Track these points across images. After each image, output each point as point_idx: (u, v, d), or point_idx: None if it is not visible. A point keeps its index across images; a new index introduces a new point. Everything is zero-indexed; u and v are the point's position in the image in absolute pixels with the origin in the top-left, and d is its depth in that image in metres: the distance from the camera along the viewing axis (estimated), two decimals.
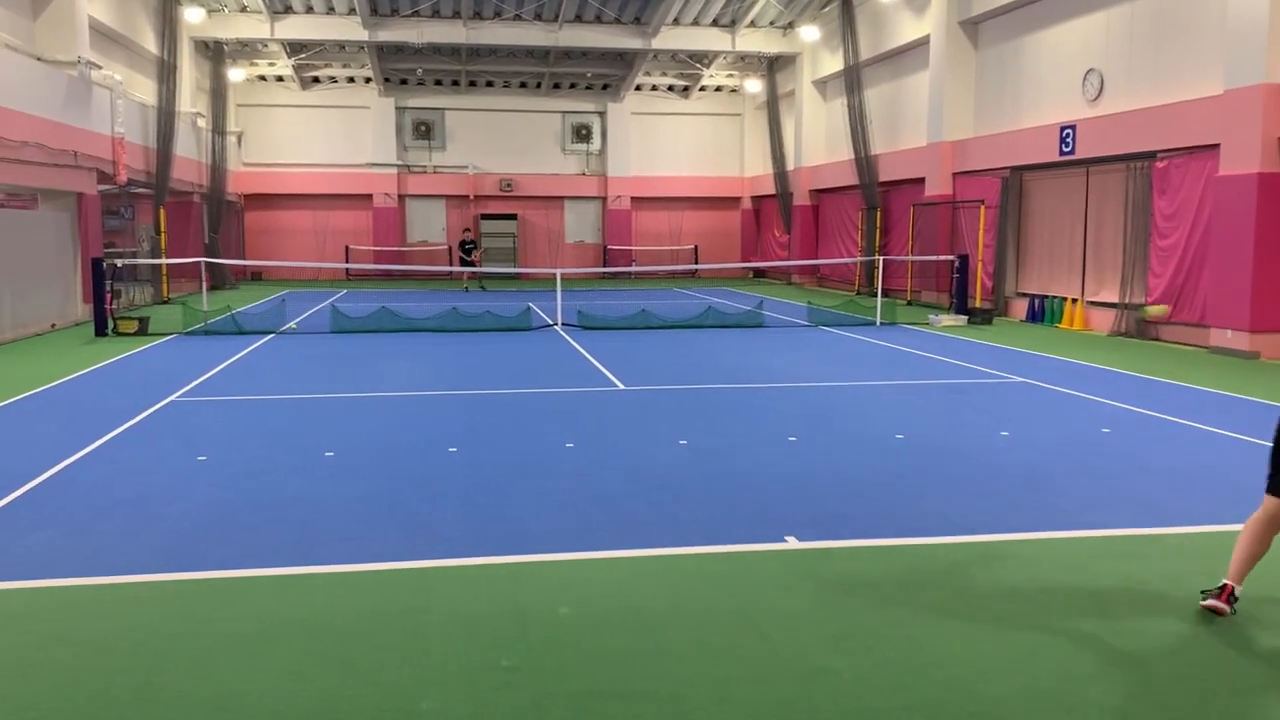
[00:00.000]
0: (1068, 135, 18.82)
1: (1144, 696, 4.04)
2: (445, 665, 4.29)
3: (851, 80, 26.28)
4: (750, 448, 8.43)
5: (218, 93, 29.61)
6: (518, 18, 29.40)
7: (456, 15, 29.36)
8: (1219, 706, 3.95)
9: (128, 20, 24.25)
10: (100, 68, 21.47)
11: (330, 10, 28.74)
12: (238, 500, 6.83)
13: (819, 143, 30.91)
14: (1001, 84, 21.57)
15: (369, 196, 35.21)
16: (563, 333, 17.67)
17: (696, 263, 36.93)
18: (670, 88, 36.81)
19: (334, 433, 9.07)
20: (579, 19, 29.90)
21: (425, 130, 35.74)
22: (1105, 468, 7.76)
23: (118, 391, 11.35)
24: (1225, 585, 4.82)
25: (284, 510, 6.59)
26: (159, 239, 24.37)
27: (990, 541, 5.97)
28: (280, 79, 34.33)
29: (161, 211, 24.31)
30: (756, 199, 36.99)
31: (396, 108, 35.31)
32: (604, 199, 36.98)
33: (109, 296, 17.43)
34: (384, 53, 31.80)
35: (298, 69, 33.07)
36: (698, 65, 33.90)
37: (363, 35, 28.89)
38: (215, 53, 29.70)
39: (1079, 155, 18.61)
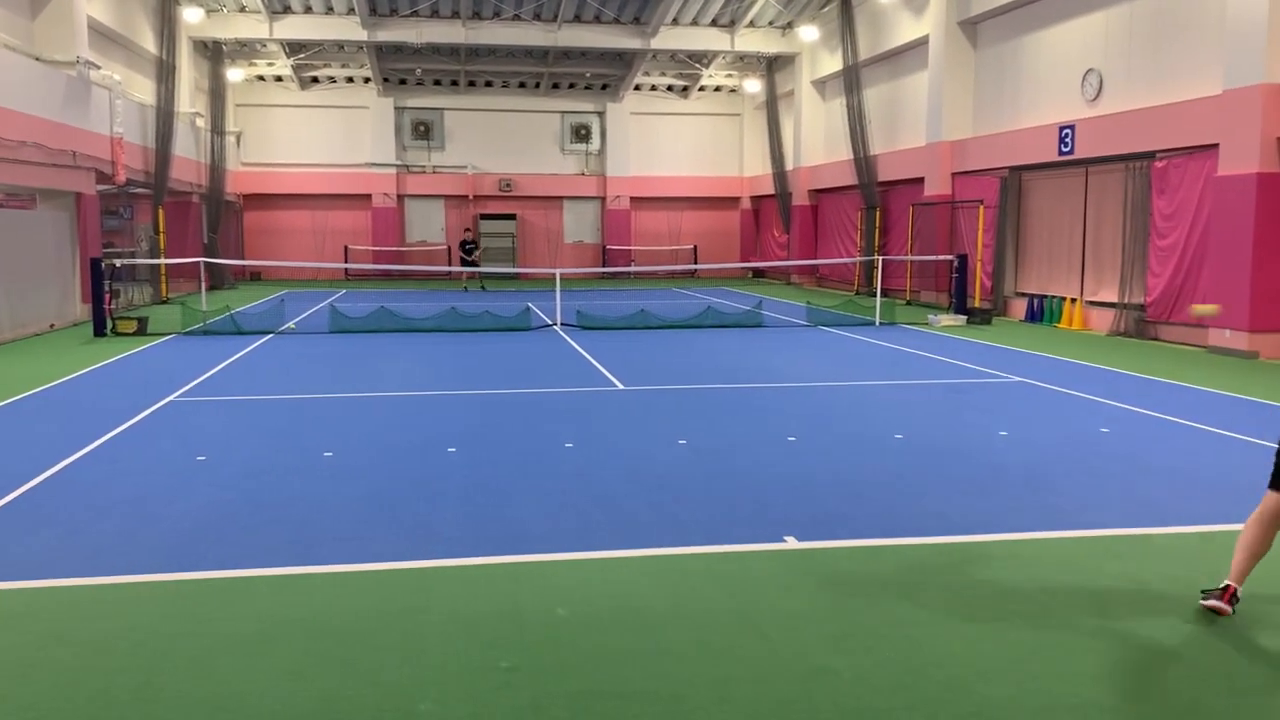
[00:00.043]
0: (1067, 135, 18.83)
1: (1144, 697, 4.04)
2: (444, 665, 4.29)
3: (850, 80, 26.29)
4: (750, 448, 8.43)
5: (216, 93, 29.60)
6: (517, 18, 29.39)
7: (455, 15, 29.35)
8: (1219, 706, 3.95)
9: (126, 20, 24.24)
10: (99, 67, 21.46)
11: (329, 10, 28.73)
12: (237, 500, 6.83)
13: (818, 143, 30.90)
14: (1000, 84, 21.58)
15: (368, 196, 35.21)
16: (562, 333, 17.67)
17: (696, 263, 36.92)
18: (669, 88, 36.80)
19: (333, 433, 9.07)
20: (578, 19, 29.90)
21: (424, 130, 35.73)
22: (1105, 468, 7.76)
23: (117, 391, 11.34)
24: (1228, 586, 4.81)
25: (283, 510, 6.59)
26: (158, 239, 24.37)
27: (990, 541, 5.97)
28: (279, 79, 34.31)
29: (160, 211, 24.31)
30: (755, 199, 36.98)
31: (395, 108, 35.29)
32: (603, 199, 36.97)
33: (108, 296, 17.40)
34: (383, 53, 31.79)
35: (297, 69, 33.06)
36: (697, 65, 33.90)
37: (362, 35, 28.88)
38: (214, 53, 29.68)
39: (1078, 155, 18.62)
